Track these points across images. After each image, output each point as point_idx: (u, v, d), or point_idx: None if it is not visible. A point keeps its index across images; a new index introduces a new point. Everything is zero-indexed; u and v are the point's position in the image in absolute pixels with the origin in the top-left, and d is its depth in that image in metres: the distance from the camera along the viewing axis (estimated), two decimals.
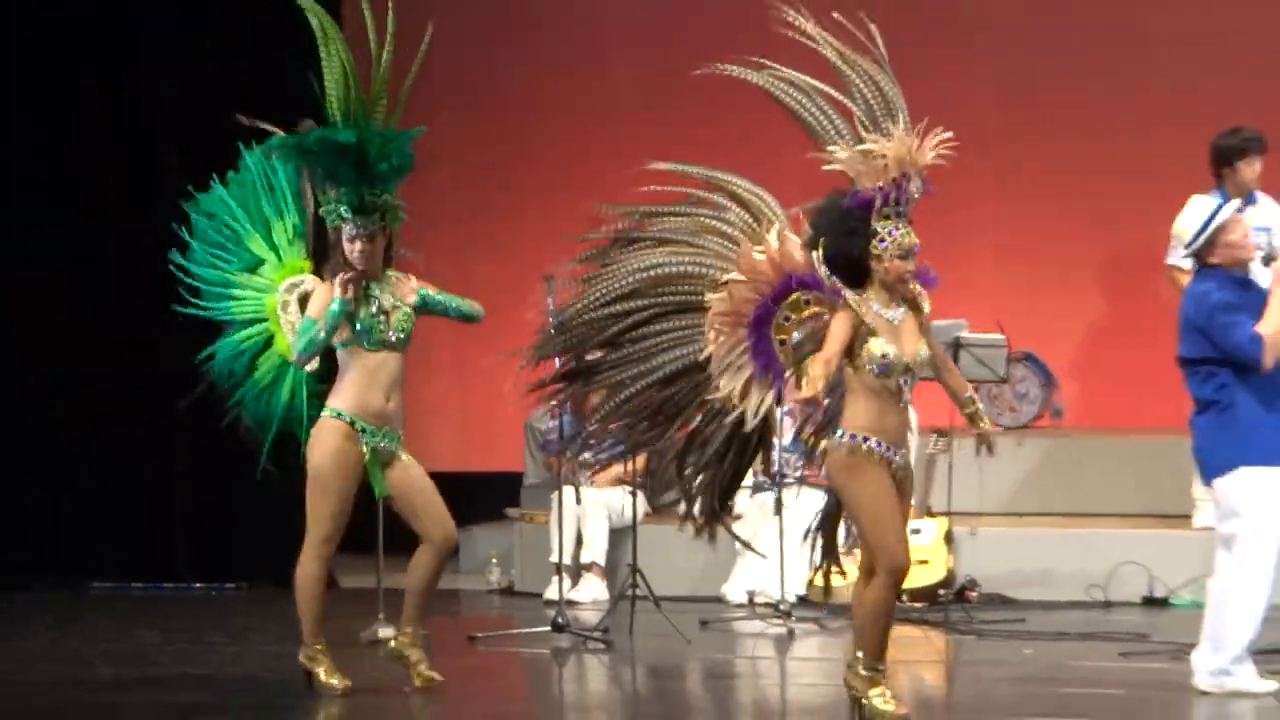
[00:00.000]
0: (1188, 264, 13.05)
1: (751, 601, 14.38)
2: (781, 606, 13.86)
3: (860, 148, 10.73)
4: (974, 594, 14.46)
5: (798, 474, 14.22)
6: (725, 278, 10.98)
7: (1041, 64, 16.70)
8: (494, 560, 14.60)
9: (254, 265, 12.10)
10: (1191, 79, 16.41)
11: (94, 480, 16.06)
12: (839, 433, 10.53)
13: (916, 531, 14.04)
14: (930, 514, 14.26)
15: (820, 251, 10.72)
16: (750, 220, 11.17)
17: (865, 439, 10.36)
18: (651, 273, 11.24)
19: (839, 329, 10.37)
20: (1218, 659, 11.63)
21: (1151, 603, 14.44)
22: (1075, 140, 16.32)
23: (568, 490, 14.11)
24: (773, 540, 13.94)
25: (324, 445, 11.53)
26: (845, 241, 10.57)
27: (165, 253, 12.19)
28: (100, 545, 16.01)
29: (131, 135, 16.53)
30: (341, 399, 11.51)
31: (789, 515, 13.98)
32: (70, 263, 16.25)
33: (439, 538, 11.58)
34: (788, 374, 11.07)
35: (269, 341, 12.11)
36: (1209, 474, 11.64)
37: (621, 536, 14.34)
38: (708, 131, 15.87)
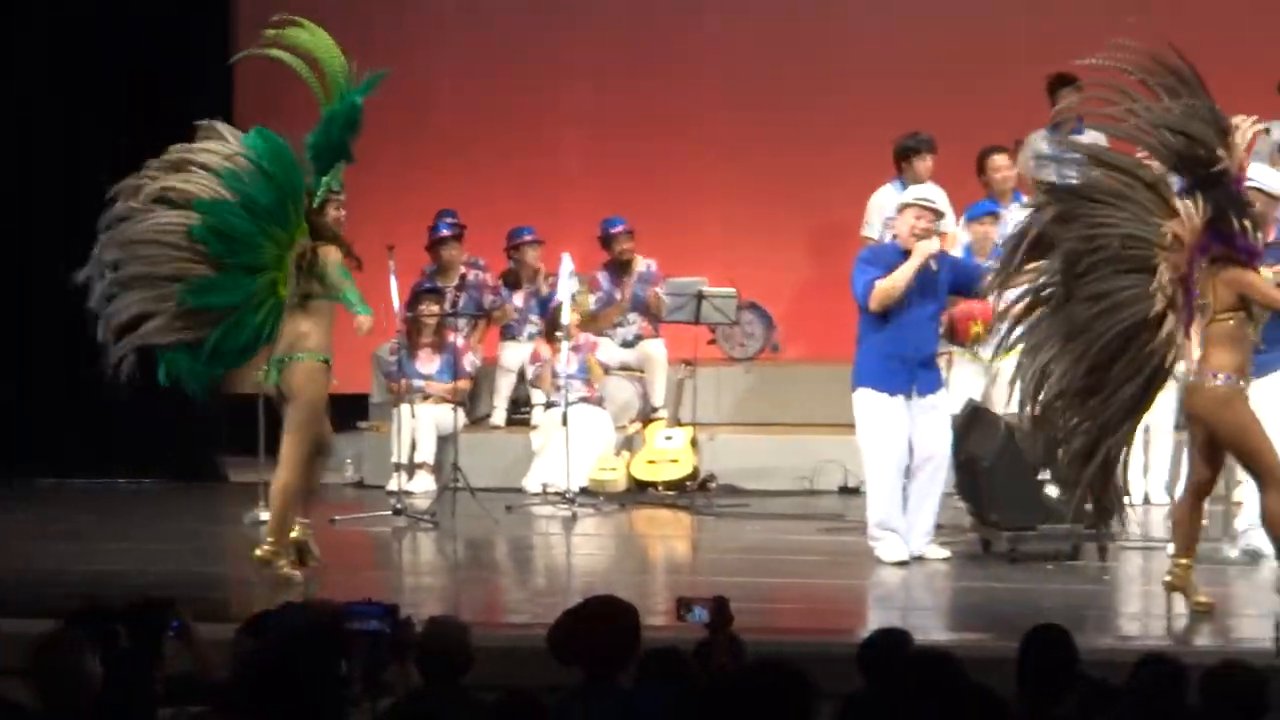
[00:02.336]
0: (874, 234, 13.39)
1: (544, 491, 14.27)
2: (567, 495, 13.78)
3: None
4: (713, 485, 14.39)
5: (579, 395, 14.37)
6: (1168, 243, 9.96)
7: (762, 59, 16.16)
8: (349, 461, 14.69)
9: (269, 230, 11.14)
10: (882, 76, 15.94)
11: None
12: (1216, 375, 9.99)
13: (669, 438, 14.25)
14: (679, 424, 14.31)
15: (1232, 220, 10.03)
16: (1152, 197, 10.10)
17: (1238, 379, 10.01)
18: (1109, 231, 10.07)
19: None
20: (870, 528, 11.83)
21: (845, 491, 14.30)
22: (790, 127, 15.88)
23: (404, 407, 14.26)
24: (560, 444, 13.94)
25: (320, 386, 11.24)
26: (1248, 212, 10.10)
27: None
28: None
29: None
30: (323, 345, 11.19)
31: (572, 425, 13.91)
32: None
33: (327, 447, 11.55)
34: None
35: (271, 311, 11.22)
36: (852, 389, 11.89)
37: (446, 442, 14.42)
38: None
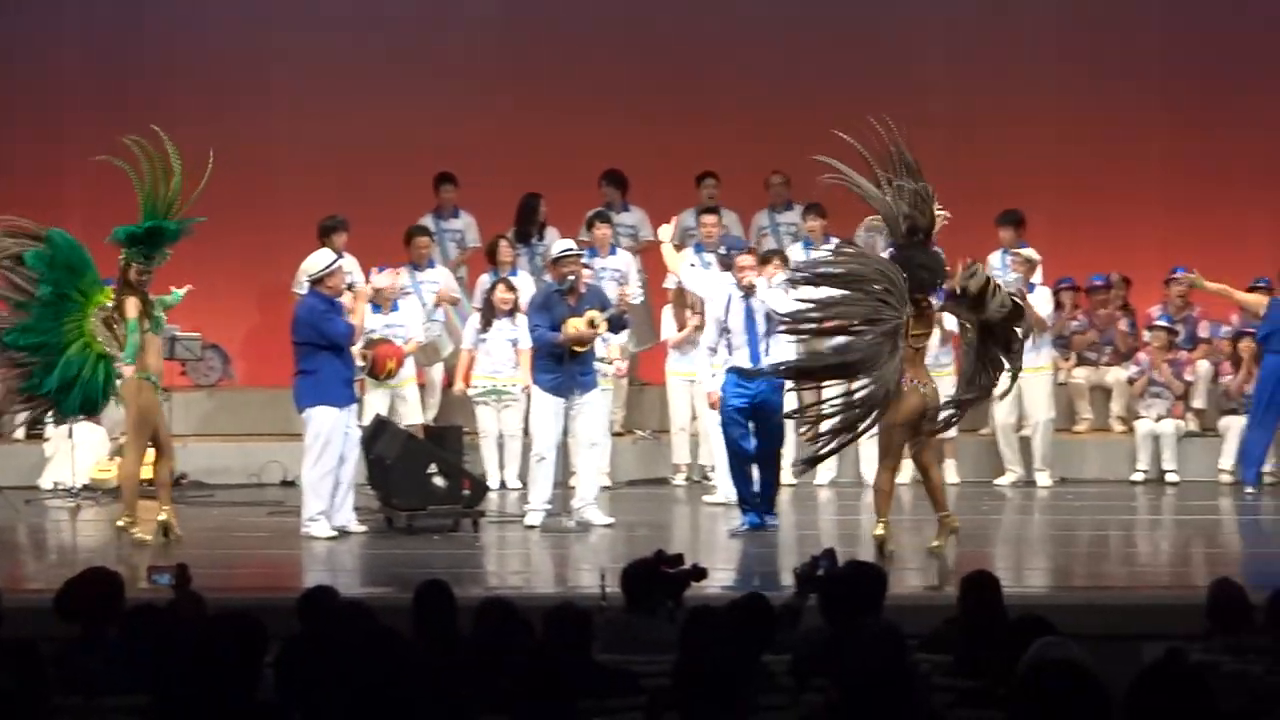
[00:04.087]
0: (302, 290, 12.79)
1: (55, 488, 14.03)
2: (73, 490, 13.63)
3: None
4: (185, 481, 14.05)
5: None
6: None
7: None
8: None
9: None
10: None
11: None
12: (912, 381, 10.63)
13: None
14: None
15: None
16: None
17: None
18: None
19: None
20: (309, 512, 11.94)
21: (285, 484, 14.17)
22: (241, 214, 15.11)
23: None
24: (67, 451, 13.79)
25: (145, 399, 11.79)
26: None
27: None
28: None
29: None
30: (153, 367, 11.84)
31: (76, 436, 13.62)
32: None
33: (164, 447, 12.07)
34: None
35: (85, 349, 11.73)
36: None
37: None
38: None
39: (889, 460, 11.12)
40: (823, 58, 15.98)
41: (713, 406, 12.34)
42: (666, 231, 12.87)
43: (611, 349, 13.77)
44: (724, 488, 12.84)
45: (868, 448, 14.16)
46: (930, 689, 6.01)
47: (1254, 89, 15.96)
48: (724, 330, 12.13)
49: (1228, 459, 14.56)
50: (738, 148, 15.56)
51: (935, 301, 11.09)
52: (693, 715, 5.08)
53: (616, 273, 14.53)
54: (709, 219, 14.59)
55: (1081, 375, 15.19)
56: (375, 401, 13.94)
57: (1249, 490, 13.97)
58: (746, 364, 12.01)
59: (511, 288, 14.21)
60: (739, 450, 12.14)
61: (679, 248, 13.73)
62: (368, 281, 13.50)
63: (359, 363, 12.78)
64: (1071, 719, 4.34)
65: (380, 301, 13.76)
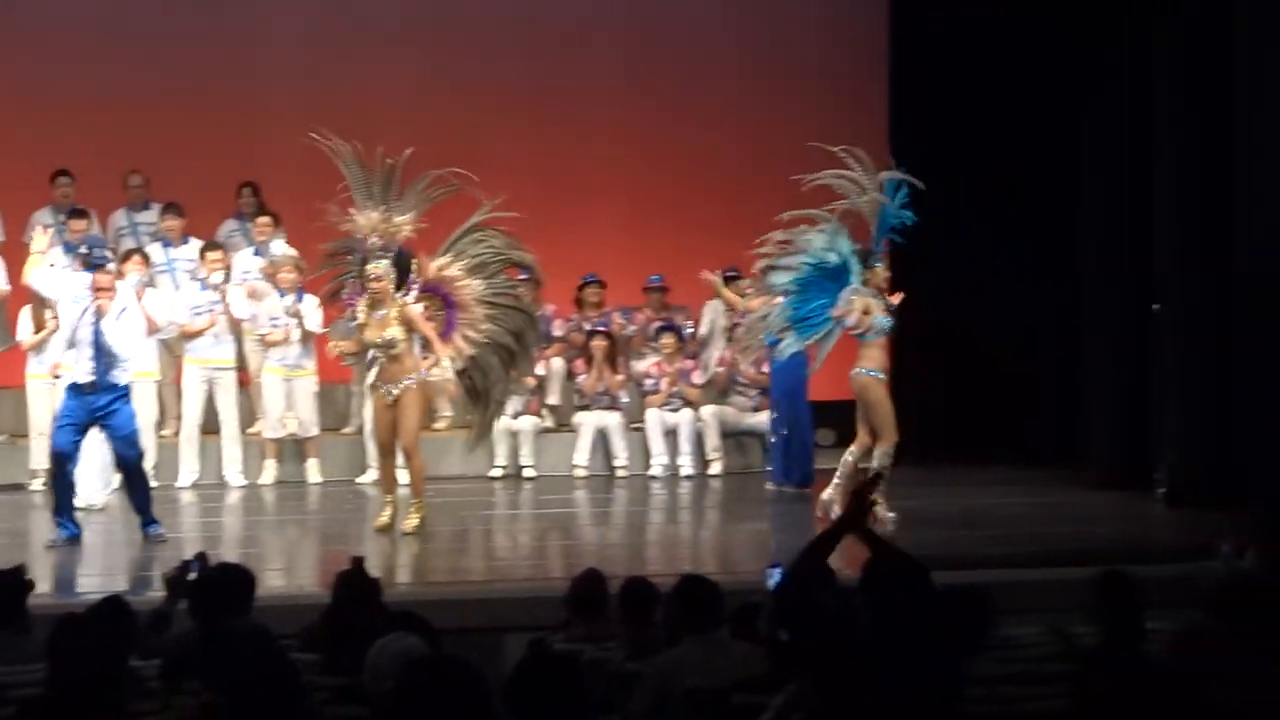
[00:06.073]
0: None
1: None
2: None
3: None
4: None
5: None
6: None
7: None
8: None
9: None
10: None
11: None
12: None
13: None
14: None
15: None
16: None
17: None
18: None
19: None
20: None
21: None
22: None
23: None
24: None
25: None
26: None
27: None
28: None
29: None
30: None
31: None
32: None
33: None
34: None
35: None
36: None
37: None
38: None
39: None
40: (177, 56, 15.74)
41: None
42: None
43: None
44: (85, 494, 12.56)
45: (230, 449, 14.20)
46: (305, 687, 6.05)
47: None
48: (73, 339, 11.77)
49: (582, 454, 15.09)
50: (92, 146, 15.20)
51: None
52: None
53: None
54: (78, 224, 14.27)
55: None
56: None
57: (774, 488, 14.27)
58: (89, 378, 11.63)
59: None
60: (62, 458, 11.71)
61: None
62: None
63: None
64: (433, 711, 4.39)
65: None
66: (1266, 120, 12.79)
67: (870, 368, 12.32)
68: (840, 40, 16.34)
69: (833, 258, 12.31)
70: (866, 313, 12.26)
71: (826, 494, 12.30)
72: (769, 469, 14.48)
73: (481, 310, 12.22)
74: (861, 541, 6.32)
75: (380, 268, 11.81)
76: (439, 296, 12.19)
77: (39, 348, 13.94)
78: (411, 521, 11.96)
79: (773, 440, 14.44)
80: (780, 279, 12.44)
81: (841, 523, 6.28)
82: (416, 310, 11.93)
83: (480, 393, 12.39)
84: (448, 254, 12.22)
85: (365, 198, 11.89)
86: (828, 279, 12.37)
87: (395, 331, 11.76)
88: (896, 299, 12.57)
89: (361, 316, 11.88)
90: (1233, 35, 13.10)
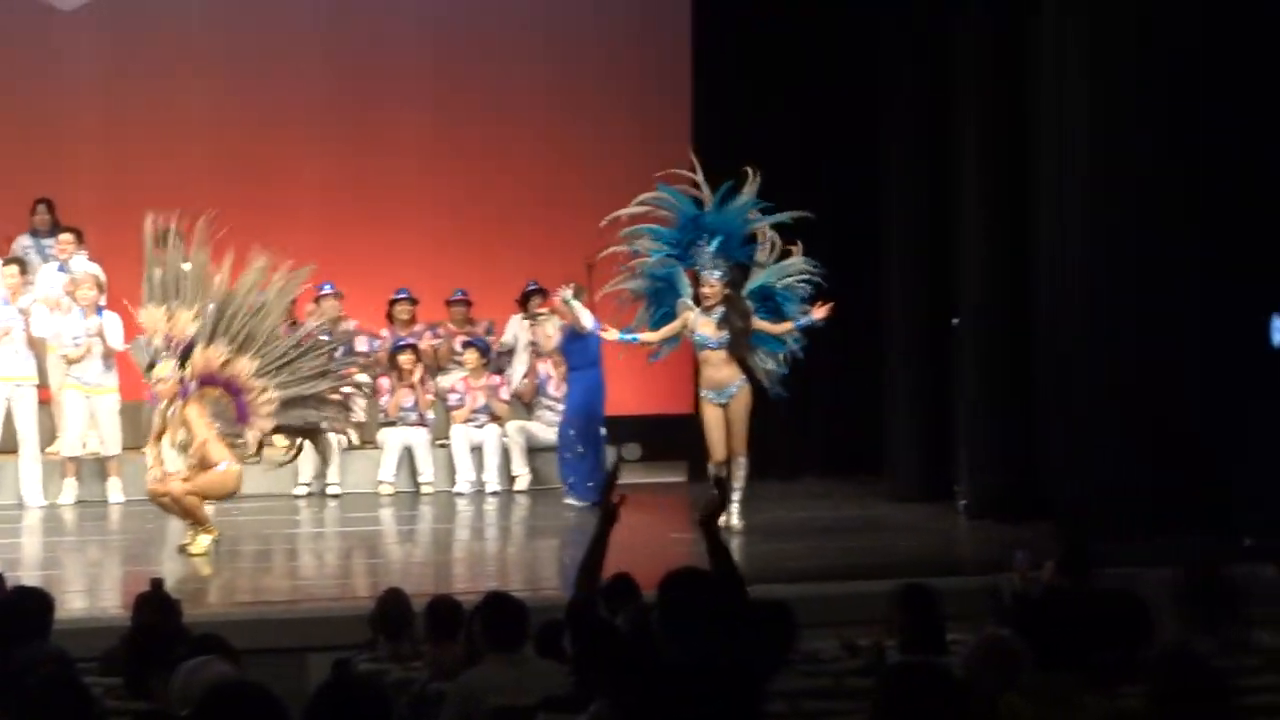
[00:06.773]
0: None
1: None
2: None
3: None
4: None
5: None
6: None
7: None
8: None
9: None
10: None
11: None
12: None
13: None
14: None
15: None
16: None
17: None
18: None
19: None
20: None
21: None
22: None
23: None
24: None
25: None
26: None
27: None
28: None
29: None
30: None
31: None
32: None
33: None
34: None
35: None
36: None
37: None
38: None
39: None
40: None
41: None
42: None
43: None
44: None
45: (29, 468, 13.94)
46: (105, 713, 5.96)
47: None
48: None
49: (388, 471, 15.00)
50: None
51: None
52: None
53: None
54: None
55: None
56: None
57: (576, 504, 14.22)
58: None
59: None
60: None
61: None
62: None
63: None
64: None
65: None
66: (1067, 120, 12.72)
67: (702, 387, 12.52)
68: (645, 52, 16.36)
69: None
70: (687, 327, 12.48)
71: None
72: (567, 485, 14.44)
73: (264, 380, 11.84)
74: (706, 543, 6.49)
75: (165, 369, 11.60)
76: (219, 385, 11.82)
77: None
78: (199, 544, 11.73)
79: (566, 457, 14.45)
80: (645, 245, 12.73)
81: (601, 526, 6.45)
82: (192, 414, 11.62)
83: (308, 429, 12.22)
84: (217, 339, 11.75)
85: (150, 295, 11.65)
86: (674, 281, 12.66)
87: (185, 435, 11.57)
88: (820, 311, 12.68)
89: (157, 420, 11.68)
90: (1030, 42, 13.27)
